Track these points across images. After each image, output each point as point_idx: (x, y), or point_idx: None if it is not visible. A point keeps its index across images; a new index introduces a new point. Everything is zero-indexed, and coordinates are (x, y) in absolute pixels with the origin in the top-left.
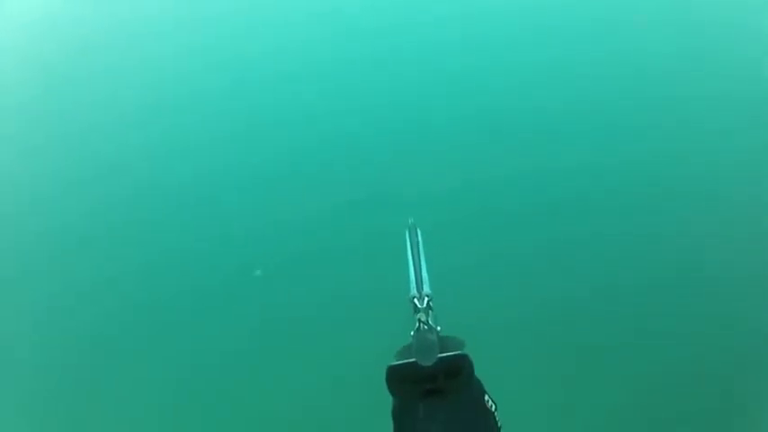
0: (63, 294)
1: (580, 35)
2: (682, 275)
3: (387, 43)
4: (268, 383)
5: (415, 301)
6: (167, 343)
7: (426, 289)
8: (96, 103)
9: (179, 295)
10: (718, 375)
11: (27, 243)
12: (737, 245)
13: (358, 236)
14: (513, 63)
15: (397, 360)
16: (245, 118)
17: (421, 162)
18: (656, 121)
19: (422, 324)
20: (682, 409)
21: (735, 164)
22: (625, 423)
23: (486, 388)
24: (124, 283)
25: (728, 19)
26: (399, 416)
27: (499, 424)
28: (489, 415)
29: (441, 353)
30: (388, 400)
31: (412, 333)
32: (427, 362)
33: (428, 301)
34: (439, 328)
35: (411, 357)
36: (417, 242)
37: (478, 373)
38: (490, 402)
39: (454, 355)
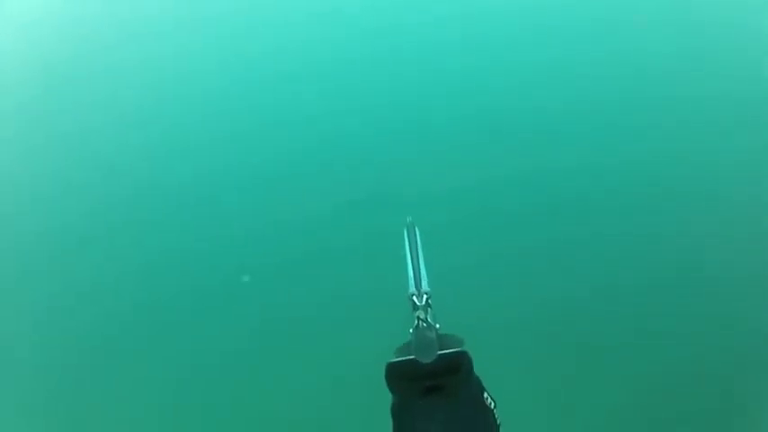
0: (63, 294)
1: (580, 35)
2: (682, 275)
3: (387, 43)
4: (268, 383)
5: (414, 298)
6: (167, 343)
7: (425, 286)
8: (96, 103)
9: (179, 295)
10: (718, 375)
11: (27, 243)
12: (737, 245)
13: (358, 236)
14: (512, 63)
15: (397, 357)
16: (245, 118)
17: (421, 162)
18: (656, 121)
19: (421, 321)
20: (682, 409)
21: (735, 164)
22: (625, 423)
23: (486, 386)
24: (124, 283)
25: (728, 19)
26: (398, 413)
27: (498, 421)
28: (488, 412)
29: (440, 350)
30: (388, 400)
31: (411, 330)
32: (426, 359)
33: (427, 299)
34: (438, 326)
35: (410, 355)
36: (415, 240)
37: (478, 372)
38: (489, 400)
39: (453, 352)
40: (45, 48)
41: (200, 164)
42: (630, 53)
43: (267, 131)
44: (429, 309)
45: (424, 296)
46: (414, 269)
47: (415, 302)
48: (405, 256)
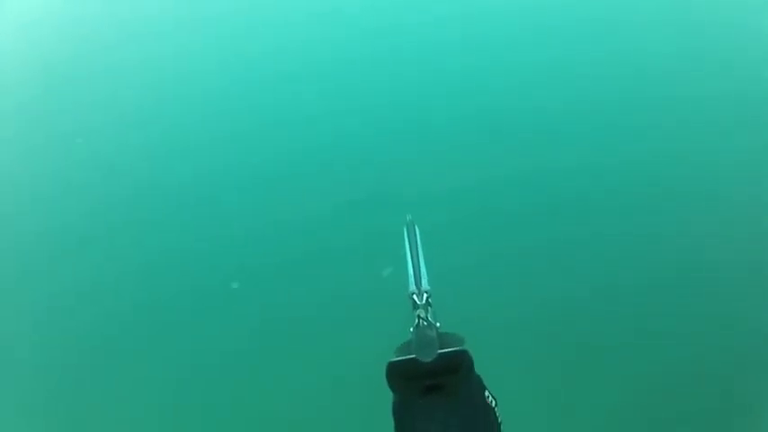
0: (63, 294)
1: (580, 35)
2: (682, 275)
3: (386, 43)
4: (268, 383)
5: (414, 297)
6: (167, 343)
7: (425, 285)
8: (96, 104)
9: (179, 295)
10: (718, 375)
11: (27, 243)
12: (737, 245)
13: (358, 236)
14: (512, 63)
15: (397, 356)
16: (245, 118)
17: (420, 162)
18: (656, 121)
19: (421, 320)
20: (682, 409)
21: (735, 164)
22: (625, 423)
23: (486, 384)
24: (124, 283)
25: (728, 19)
26: (399, 412)
27: (499, 419)
28: (489, 410)
29: (440, 349)
30: (388, 400)
31: (411, 329)
32: (427, 358)
33: (427, 298)
34: (438, 324)
35: (411, 353)
36: (415, 238)
37: (478, 371)
38: (490, 398)
39: (454, 351)
40: (45, 48)
41: (200, 164)
42: (630, 53)
43: (267, 131)
44: (429, 307)
45: (425, 295)
46: (414, 268)
47: (415, 301)
48: (405, 255)
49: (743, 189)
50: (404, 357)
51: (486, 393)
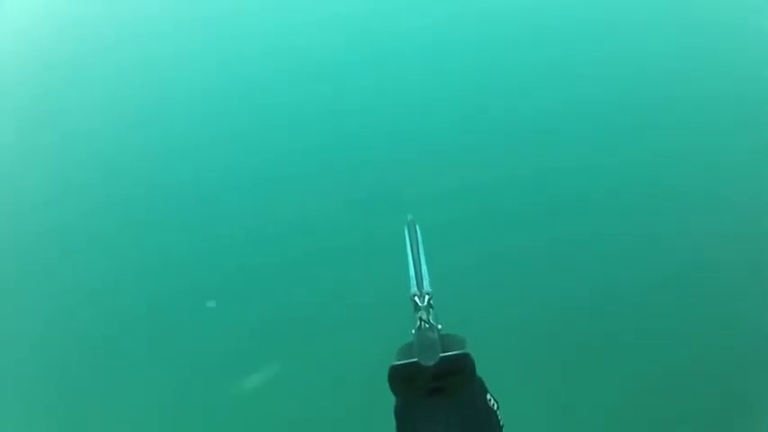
0: (63, 294)
1: (580, 36)
2: (682, 275)
3: (387, 44)
4: (268, 383)
5: (416, 299)
6: (167, 343)
7: (427, 286)
8: (96, 104)
9: (179, 295)
10: (718, 375)
11: (27, 243)
12: (737, 245)
13: (358, 236)
14: (512, 63)
15: (399, 359)
16: (245, 118)
17: (421, 162)
18: (655, 121)
19: (423, 322)
20: (682, 409)
21: (735, 164)
22: (625, 423)
23: (488, 386)
24: (124, 283)
25: (728, 19)
26: (401, 414)
27: (501, 423)
28: (491, 414)
29: (442, 351)
30: (388, 401)
31: (413, 331)
32: (429, 361)
33: (429, 299)
34: (440, 327)
35: (412, 356)
36: (416, 238)
37: (479, 372)
38: (492, 401)
39: (456, 354)
40: (45, 48)
41: (200, 164)
42: (630, 53)
43: (267, 131)
44: (431, 309)
45: (426, 297)
46: (415, 269)
47: (416, 303)
48: (406, 255)
49: (743, 189)
50: (406, 361)
51: (488, 396)
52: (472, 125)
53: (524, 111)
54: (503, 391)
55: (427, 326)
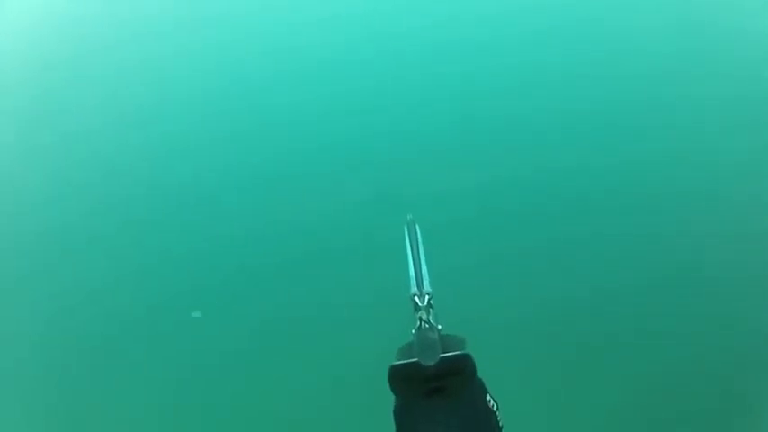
0: (63, 294)
1: (579, 37)
2: (682, 275)
3: (387, 44)
4: (268, 383)
5: (416, 299)
6: (167, 343)
7: (427, 286)
8: (96, 104)
9: (179, 295)
10: (718, 375)
11: (27, 243)
12: (737, 245)
13: (358, 236)
14: (512, 64)
15: (399, 359)
16: (245, 118)
17: (421, 162)
18: (655, 122)
19: (423, 323)
20: (682, 409)
21: (735, 164)
22: (625, 423)
23: (488, 387)
24: (124, 283)
25: (728, 21)
26: (401, 415)
27: (501, 424)
28: (491, 415)
29: (442, 351)
30: (388, 401)
31: (413, 331)
32: (429, 361)
33: (429, 299)
34: (440, 327)
35: (412, 356)
36: (416, 238)
37: (479, 372)
38: (492, 402)
39: (456, 354)
40: (45, 48)
41: (200, 164)
42: (630, 54)
43: (267, 131)
44: (431, 309)
45: (426, 297)
46: (415, 268)
47: (416, 303)
48: (406, 255)
49: (743, 189)
50: (406, 361)
51: (488, 397)
52: (472, 125)
53: (524, 111)
54: (503, 392)
55: (427, 326)
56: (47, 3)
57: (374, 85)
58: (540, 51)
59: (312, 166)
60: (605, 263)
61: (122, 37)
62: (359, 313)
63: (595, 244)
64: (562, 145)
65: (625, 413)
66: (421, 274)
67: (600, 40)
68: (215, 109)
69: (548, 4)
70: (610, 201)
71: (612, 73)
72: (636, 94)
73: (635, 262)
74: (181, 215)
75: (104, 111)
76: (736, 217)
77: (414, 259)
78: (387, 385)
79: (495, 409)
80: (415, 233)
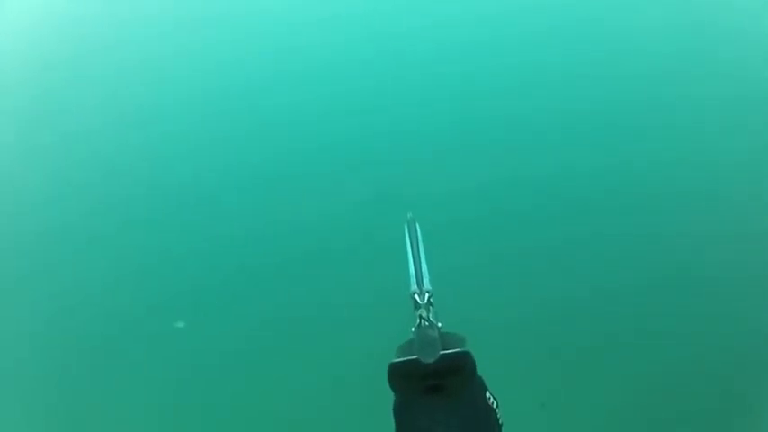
0: (63, 294)
1: (580, 36)
2: (682, 275)
3: (388, 44)
4: (268, 383)
5: (416, 296)
6: (167, 343)
7: (427, 284)
8: (96, 104)
9: (179, 295)
10: (718, 375)
11: (27, 243)
12: (737, 245)
13: (358, 236)
14: (512, 64)
15: (399, 356)
16: (245, 118)
17: (421, 162)
18: (655, 122)
19: (423, 320)
20: (682, 409)
21: (735, 164)
22: (625, 423)
23: (488, 385)
24: (124, 283)
25: (728, 21)
26: (400, 412)
27: (501, 421)
28: (491, 412)
29: (442, 349)
30: (388, 400)
31: (413, 329)
32: (429, 358)
33: (429, 297)
34: (440, 324)
35: (412, 353)
36: (416, 236)
37: (479, 371)
38: (491, 399)
39: (456, 351)
40: (45, 48)
41: (200, 164)
42: (630, 55)
43: (267, 131)
44: (431, 307)
45: (426, 294)
46: (415, 266)
47: (416, 301)
48: (405, 253)
49: (743, 189)
50: (406, 358)
51: (488, 395)
52: (472, 125)
53: (524, 111)
54: (503, 391)
55: (427, 323)
56: (47, 3)
57: (374, 85)
58: (540, 51)
59: (312, 166)
60: (605, 263)
61: (122, 37)
62: (359, 313)
63: (595, 244)
64: (562, 145)
65: (625, 413)
66: (421, 272)
67: (600, 40)
68: (215, 109)
69: (548, 4)
70: (610, 201)
71: (612, 73)
72: (636, 95)
73: (635, 262)
74: (181, 215)
75: (104, 111)
76: (736, 217)
77: (414, 257)
78: (386, 385)
79: (494, 406)
80: (416, 231)
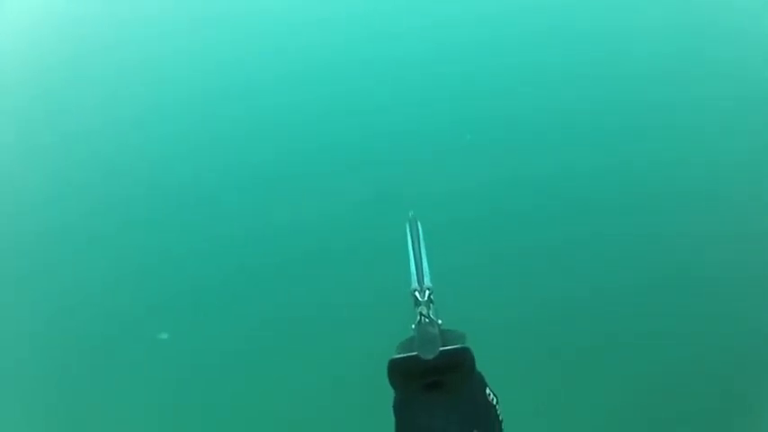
0: (63, 294)
1: (580, 37)
2: (682, 275)
3: (388, 44)
4: (268, 383)
5: (416, 294)
6: (167, 343)
7: (427, 282)
8: (96, 104)
9: (179, 295)
10: (718, 375)
11: (27, 243)
12: (737, 245)
13: (358, 236)
14: (513, 64)
15: (399, 353)
16: (245, 118)
17: (421, 162)
18: (655, 122)
19: (423, 317)
20: (682, 409)
21: (735, 164)
22: (625, 423)
23: (488, 382)
24: (124, 283)
25: (728, 21)
26: (400, 409)
27: (500, 417)
28: (490, 408)
29: (442, 346)
30: (388, 400)
31: (413, 326)
32: (429, 355)
33: (429, 294)
34: (440, 322)
35: (413, 350)
36: (418, 235)
37: (479, 370)
38: (491, 396)
39: (456, 348)
40: (45, 48)
41: (200, 164)
42: (630, 55)
43: (267, 132)
44: (431, 304)
45: (426, 292)
46: (416, 264)
47: (417, 298)
48: (407, 251)
49: (743, 189)
50: (406, 355)
51: (488, 391)
52: (472, 125)
53: (525, 111)
54: (503, 391)
55: (427, 320)
56: (47, 3)
57: (374, 85)
58: (540, 51)
59: (312, 166)
60: (605, 263)
61: (122, 37)
62: (359, 313)
63: (595, 244)
64: (562, 145)
65: (625, 413)
66: (422, 270)
67: (600, 40)
68: (215, 109)
69: (548, 4)
70: (610, 201)
71: (612, 73)
72: (636, 94)
73: (635, 262)
74: (181, 215)
75: (104, 111)
76: (736, 217)
77: (415, 255)
78: (386, 384)
79: (494, 402)
80: (417, 230)
